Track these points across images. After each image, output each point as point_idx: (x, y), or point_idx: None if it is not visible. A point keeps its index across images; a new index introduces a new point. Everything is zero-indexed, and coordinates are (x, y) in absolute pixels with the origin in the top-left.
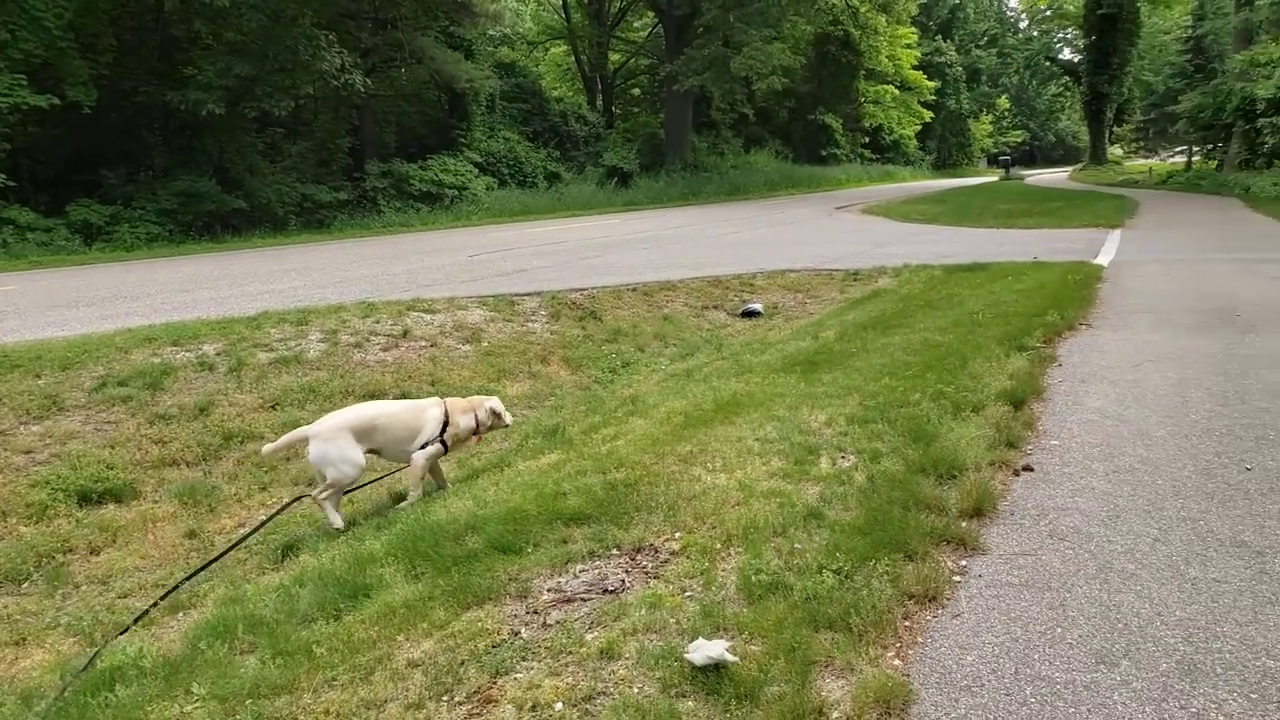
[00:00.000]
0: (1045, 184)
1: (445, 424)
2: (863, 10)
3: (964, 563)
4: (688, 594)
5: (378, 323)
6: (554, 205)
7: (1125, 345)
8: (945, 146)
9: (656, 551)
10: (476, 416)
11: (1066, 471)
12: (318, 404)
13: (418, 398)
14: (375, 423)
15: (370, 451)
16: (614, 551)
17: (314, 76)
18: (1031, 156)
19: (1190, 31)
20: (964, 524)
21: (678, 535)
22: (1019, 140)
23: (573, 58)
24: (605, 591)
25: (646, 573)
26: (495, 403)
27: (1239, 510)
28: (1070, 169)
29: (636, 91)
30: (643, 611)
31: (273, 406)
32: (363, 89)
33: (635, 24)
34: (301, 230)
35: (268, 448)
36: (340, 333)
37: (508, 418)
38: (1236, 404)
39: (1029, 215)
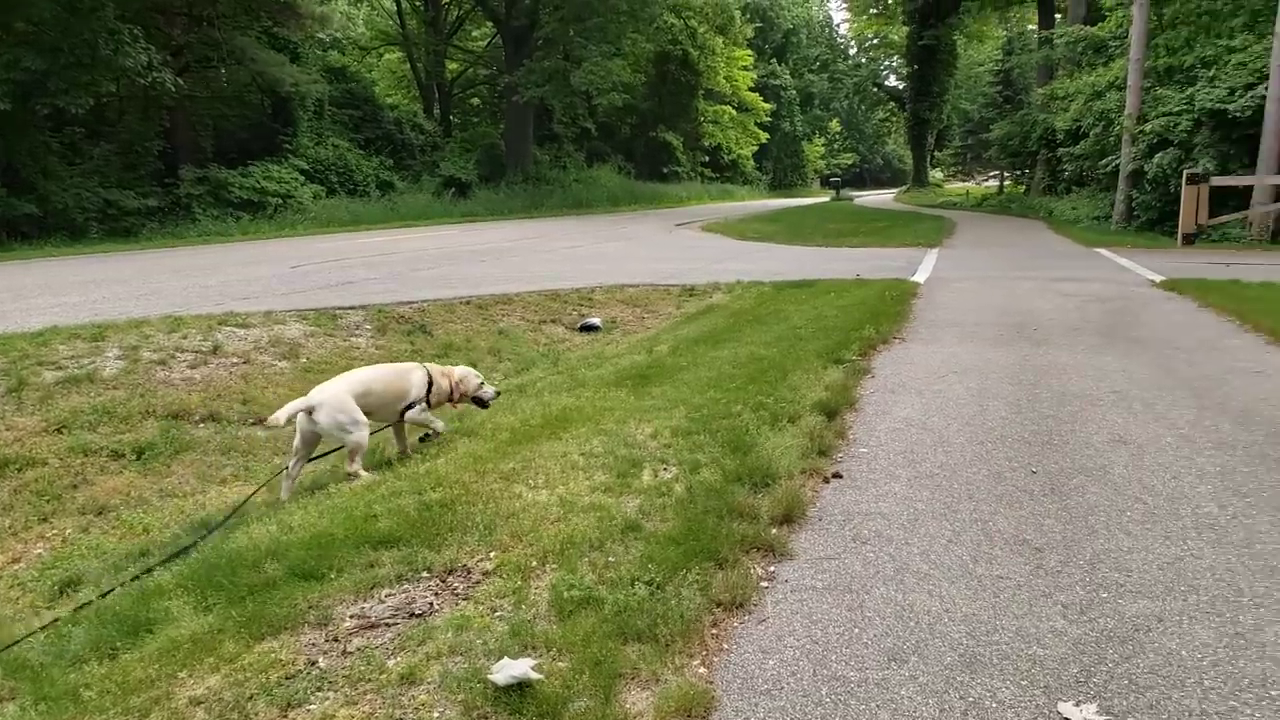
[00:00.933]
0: (872, 205)
1: (430, 384)
2: (701, 31)
3: (773, 568)
4: (498, 614)
5: (185, 338)
6: (387, 215)
7: (933, 357)
8: (781, 167)
9: (469, 572)
10: (448, 384)
11: (872, 478)
12: (112, 426)
13: (228, 418)
14: (370, 386)
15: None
16: (424, 574)
17: (117, 73)
18: (861, 178)
19: (1000, 65)
20: (774, 531)
21: (493, 555)
22: (849, 162)
23: (408, 65)
24: (412, 615)
25: (457, 594)
26: (462, 373)
27: (1024, 511)
28: (896, 191)
29: (476, 101)
30: (450, 634)
31: (59, 429)
32: (174, 89)
33: (474, 33)
34: (104, 239)
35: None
36: (142, 349)
37: (488, 391)
38: (1028, 411)
39: (856, 234)
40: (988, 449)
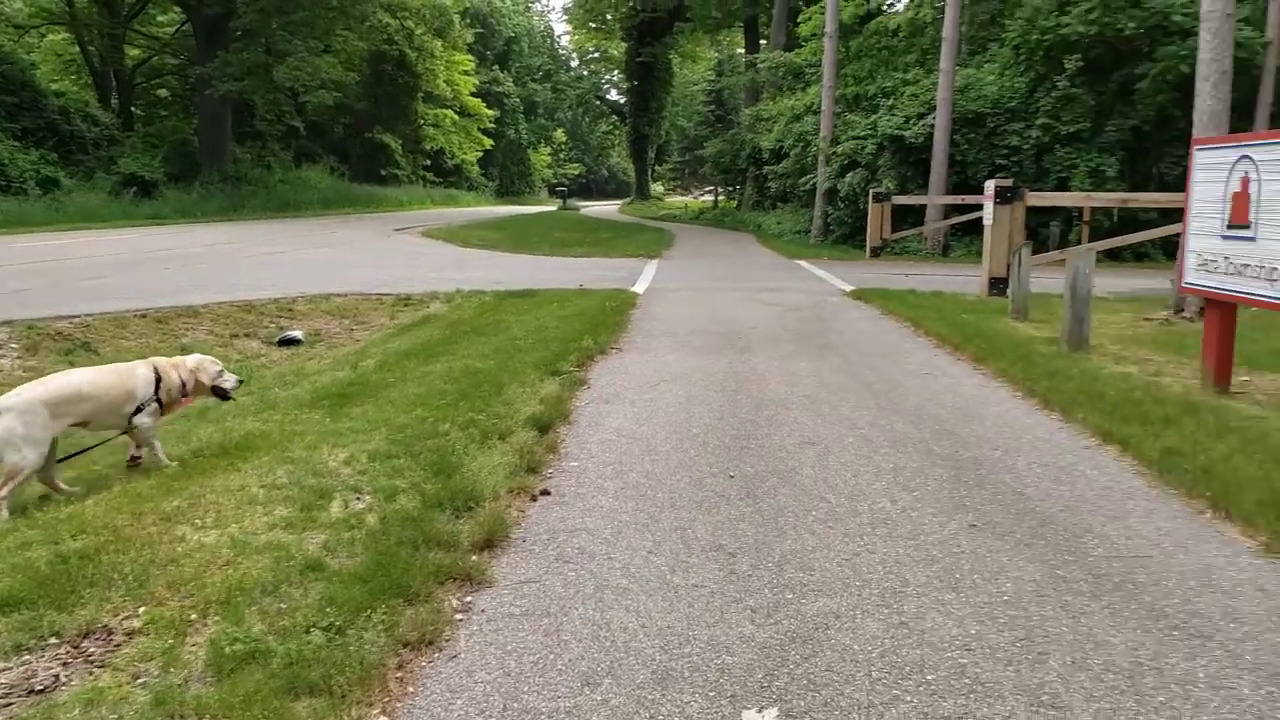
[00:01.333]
0: (597, 215)
1: (158, 382)
2: (418, 32)
3: (469, 599)
4: (141, 680)
5: None
6: (51, 217)
7: (647, 367)
8: (508, 174)
9: (111, 634)
10: (180, 376)
11: (581, 492)
12: None
13: None
14: (81, 391)
15: (77, 425)
16: (52, 641)
17: None
18: (588, 189)
19: (712, 85)
20: (474, 557)
21: (142, 610)
22: (576, 173)
23: (77, 48)
24: (31, 693)
25: (92, 661)
26: (198, 360)
27: (720, 516)
28: (620, 202)
29: (164, 93)
30: (77, 711)
31: None
32: None
33: (160, 18)
34: None
35: None
36: None
37: (229, 380)
38: (730, 417)
39: (581, 244)
40: (691, 456)
